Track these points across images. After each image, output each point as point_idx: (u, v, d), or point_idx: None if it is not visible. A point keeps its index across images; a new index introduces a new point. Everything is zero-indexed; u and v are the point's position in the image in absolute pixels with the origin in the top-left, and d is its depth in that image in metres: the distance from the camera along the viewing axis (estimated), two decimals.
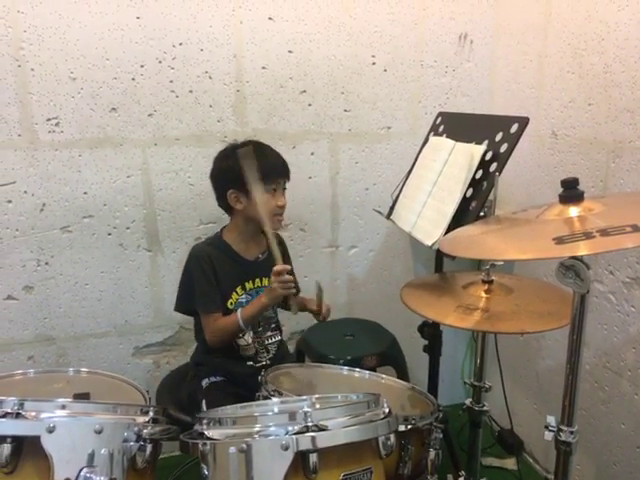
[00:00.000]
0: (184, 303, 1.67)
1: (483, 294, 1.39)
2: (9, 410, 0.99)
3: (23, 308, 1.87)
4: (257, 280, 1.66)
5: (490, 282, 1.42)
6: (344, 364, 1.65)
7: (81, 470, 0.98)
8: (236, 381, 1.64)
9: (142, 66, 1.81)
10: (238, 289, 1.63)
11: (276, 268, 1.51)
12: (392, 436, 1.08)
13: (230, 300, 1.62)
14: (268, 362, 1.69)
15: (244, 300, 1.64)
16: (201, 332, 1.65)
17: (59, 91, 1.75)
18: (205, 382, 1.65)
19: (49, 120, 1.76)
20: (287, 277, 1.51)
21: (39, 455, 0.98)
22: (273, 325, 1.73)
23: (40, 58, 1.72)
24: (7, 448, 0.96)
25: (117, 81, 1.80)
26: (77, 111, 1.78)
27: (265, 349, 1.70)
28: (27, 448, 0.98)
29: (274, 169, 1.59)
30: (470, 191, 1.46)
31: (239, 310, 1.59)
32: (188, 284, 1.63)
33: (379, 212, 1.92)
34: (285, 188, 1.63)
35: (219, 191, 1.63)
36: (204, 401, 1.44)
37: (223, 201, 1.62)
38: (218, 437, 1.04)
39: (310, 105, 2.01)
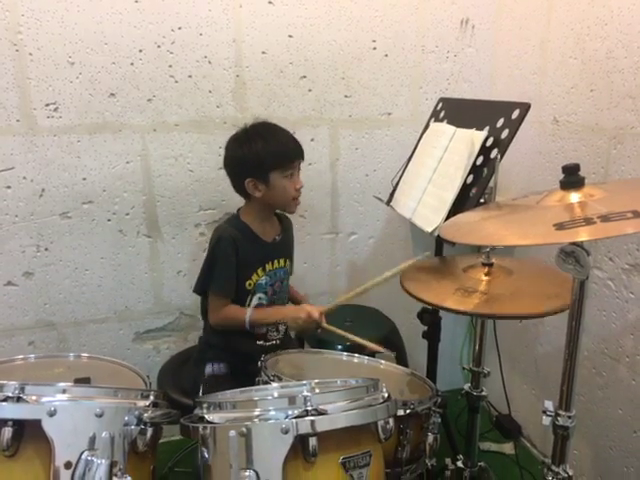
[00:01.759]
0: (202, 283, 1.64)
1: (483, 277, 1.39)
2: (10, 394, 0.99)
3: (23, 294, 1.87)
4: (275, 261, 1.66)
5: (490, 265, 1.42)
6: (343, 350, 1.65)
7: (82, 453, 0.98)
8: (240, 370, 1.62)
9: (141, 51, 1.79)
10: (259, 271, 1.62)
11: (316, 316, 1.53)
12: (391, 420, 1.09)
13: (249, 281, 1.61)
14: (278, 342, 1.68)
15: (263, 281, 1.63)
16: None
17: (57, 76, 1.74)
18: (208, 369, 1.63)
19: (48, 105, 1.75)
20: (315, 325, 1.53)
21: (40, 439, 0.98)
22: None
23: (38, 42, 1.70)
24: (8, 432, 0.96)
25: (116, 66, 1.78)
26: (76, 96, 1.77)
27: (276, 329, 1.69)
28: (28, 432, 0.99)
29: (291, 154, 1.57)
30: (470, 177, 1.46)
31: (249, 311, 1.59)
32: (210, 264, 1.60)
33: (379, 199, 1.92)
34: (300, 169, 1.61)
35: (236, 179, 1.61)
36: (201, 388, 1.44)
37: (241, 188, 1.60)
38: (218, 421, 1.04)
39: (310, 91, 1.99)
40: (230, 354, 1.65)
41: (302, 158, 1.61)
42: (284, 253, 1.69)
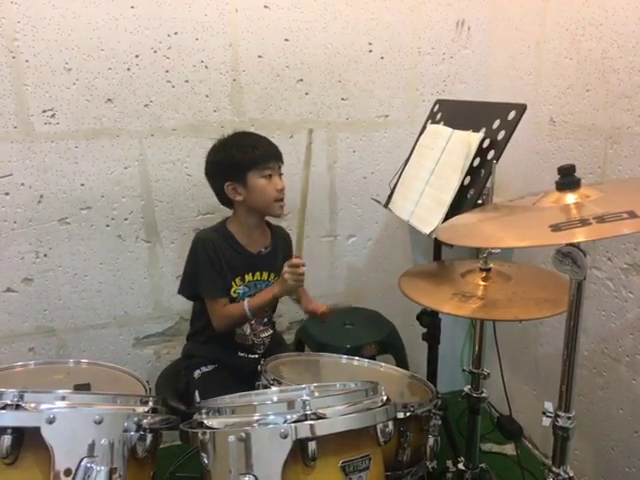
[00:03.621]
0: (188, 287, 1.66)
1: (481, 282, 1.39)
2: (9, 402, 0.99)
3: (23, 300, 1.87)
4: (257, 273, 1.66)
5: (488, 270, 1.42)
6: (344, 353, 1.65)
7: (81, 460, 0.99)
8: (228, 369, 1.64)
9: (137, 56, 1.80)
10: (237, 280, 1.63)
11: (293, 261, 1.50)
12: (390, 423, 1.09)
13: (233, 288, 1.62)
14: (260, 355, 1.69)
15: (241, 291, 1.63)
16: (199, 318, 1.66)
17: (54, 82, 1.74)
18: (197, 373, 1.65)
19: (45, 112, 1.76)
20: (300, 270, 1.49)
21: (40, 446, 0.98)
22: (265, 320, 1.72)
23: (34, 49, 1.71)
24: (7, 439, 0.97)
25: (112, 71, 1.79)
26: (73, 102, 1.77)
27: (262, 342, 1.71)
28: (27, 439, 0.99)
29: (265, 153, 1.58)
30: (468, 179, 1.46)
31: (246, 300, 1.59)
32: (193, 268, 1.62)
33: (377, 201, 1.92)
34: (281, 173, 1.63)
35: (216, 186, 1.63)
36: (197, 392, 1.44)
37: (222, 195, 1.62)
38: (217, 426, 1.04)
39: (307, 94, 2.00)
40: (214, 362, 1.66)
41: (280, 161, 1.62)
42: (269, 266, 1.67)
